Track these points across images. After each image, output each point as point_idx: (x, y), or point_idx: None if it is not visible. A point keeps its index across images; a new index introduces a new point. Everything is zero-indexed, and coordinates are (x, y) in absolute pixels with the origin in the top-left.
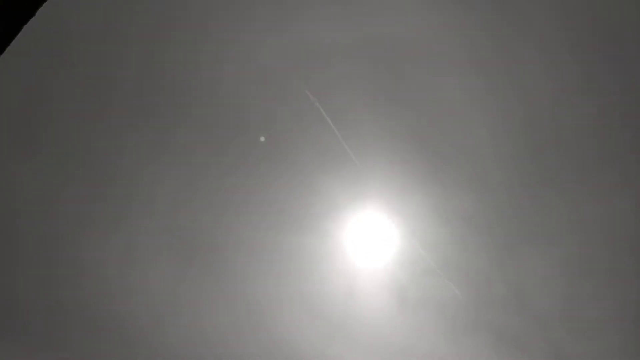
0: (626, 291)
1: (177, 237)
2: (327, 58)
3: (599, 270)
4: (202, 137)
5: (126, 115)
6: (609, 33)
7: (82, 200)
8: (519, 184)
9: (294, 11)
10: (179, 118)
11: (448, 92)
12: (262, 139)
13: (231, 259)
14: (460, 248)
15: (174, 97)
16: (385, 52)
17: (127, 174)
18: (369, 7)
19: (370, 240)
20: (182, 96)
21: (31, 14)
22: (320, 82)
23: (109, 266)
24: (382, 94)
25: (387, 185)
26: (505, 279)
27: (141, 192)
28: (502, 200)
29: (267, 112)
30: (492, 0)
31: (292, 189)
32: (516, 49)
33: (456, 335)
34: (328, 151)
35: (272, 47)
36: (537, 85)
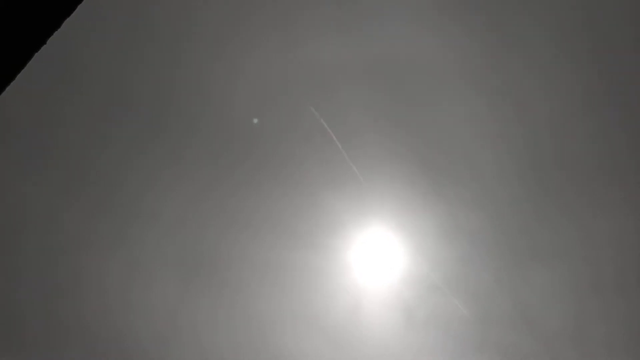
0: (635, 309)
1: (181, 254)
2: (334, 79)
3: (607, 287)
4: (208, 155)
5: (134, 132)
6: (608, 49)
7: (86, 216)
8: (524, 200)
9: (302, 34)
10: (186, 136)
11: (451, 112)
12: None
13: (235, 276)
14: (467, 265)
15: (181, 116)
16: (390, 74)
17: (132, 190)
18: (375, 32)
19: (376, 258)
20: (189, 115)
21: (42, 42)
22: (327, 103)
23: (111, 283)
24: (386, 113)
25: (392, 203)
26: (512, 296)
27: (146, 209)
28: (507, 217)
29: (275, 131)
30: (491, 22)
31: (298, 206)
32: (514, 67)
33: (463, 354)
34: (334, 169)
35: (281, 69)
36: (536, 102)
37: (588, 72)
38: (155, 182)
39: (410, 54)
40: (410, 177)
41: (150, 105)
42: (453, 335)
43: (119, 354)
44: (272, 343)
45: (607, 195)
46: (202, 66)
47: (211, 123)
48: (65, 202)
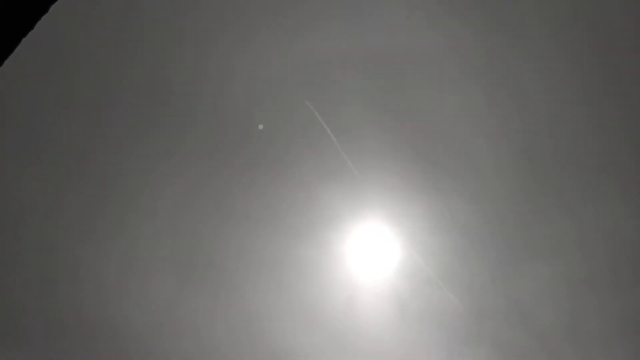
0: (630, 303)
1: (177, 248)
2: (329, 73)
3: (602, 282)
4: (204, 148)
5: (130, 125)
6: (605, 42)
7: (83, 210)
8: (520, 194)
9: (298, 27)
10: (183, 130)
11: (447, 104)
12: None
13: (231, 270)
14: (461, 259)
15: (178, 109)
16: (385, 66)
17: (129, 184)
18: (371, 24)
19: (371, 251)
20: (186, 108)
21: (30, 26)
22: (322, 96)
23: (109, 276)
24: (382, 106)
25: (387, 196)
26: (507, 290)
27: (142, 203)
28: (502, 210)
29: (270, 124)
30: (487, 15)
31: (293, 200)
32: (512, 61)
33: (457, 347)
34: (329, 163)
35: (277, 62)
36: (534, 95)
37: (586, 66)
38: (151, 176)
39: (407, 47)
40: (406, 171)
41: (146, 100)
42: (447, 328)
43: (117, 345)
44: (267, 334)
45: (603, 191)
46: (197, 61)
47: (207, 118)
48: (62, 196)
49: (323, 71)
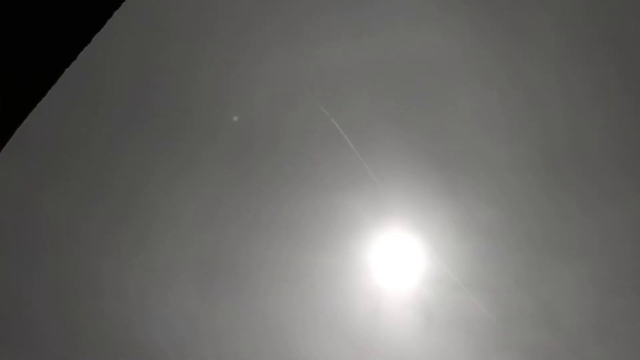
0: None
1: (199, 259)
2: (347, 83)
3: (629, 281)
4: (225, 160)
5: (152, 138)
6: (620, 37)
7: (104, 222)
8: (541, 194)
9: (314, 40)
10: (203, 142)
11: (463, 108)
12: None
13: (254, 279)
14: (486, 263)
15: (198, 121)
16: (400, 74)
17: (150, 196)
18: (384, 34)
19: (394, 258)
20: (207, 121)
21: (73, 57)
22: (341, 105)
23: (130, 288)
24: (398, 112)
25: (408, 203)
26: (533, 293)
27: (164, 214)
28: (524, 212)
29: (291, 136)
30: (498, 16)
31: (315, 209)
32: (525, 60)
33: (485, 354)
34: (350, 172)
35: (295, 74)
36: (549, 94)
37: (601, 60)
38: (172, 187)
39: (419, 53)
40: (425, 176)
41: (167, 111)
42: (474, 334)
43: (137, 358)
44: (291, 346)
45: (625, 187)
46: (218, 72)
47: (228, 128)
48: (84, 207)
49: (341, 81)
